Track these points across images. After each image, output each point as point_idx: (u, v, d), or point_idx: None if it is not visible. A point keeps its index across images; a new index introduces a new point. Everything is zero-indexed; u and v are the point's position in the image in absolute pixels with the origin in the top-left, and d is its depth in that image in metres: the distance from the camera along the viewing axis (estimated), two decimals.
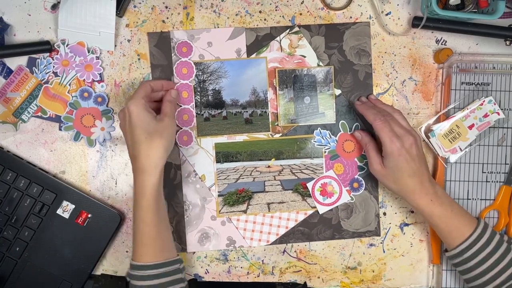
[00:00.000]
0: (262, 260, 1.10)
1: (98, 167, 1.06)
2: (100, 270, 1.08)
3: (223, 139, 1.08)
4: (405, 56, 1.08)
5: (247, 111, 1.07)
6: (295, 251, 1.10)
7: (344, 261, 1.10)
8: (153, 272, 0.92)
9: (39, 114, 1.05)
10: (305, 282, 1.10)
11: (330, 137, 1.08)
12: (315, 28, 1.06)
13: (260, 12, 1.06)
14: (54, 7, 1.04)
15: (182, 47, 1.05)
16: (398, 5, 1.08)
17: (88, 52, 1.04)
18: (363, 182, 1.09)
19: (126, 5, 1.04)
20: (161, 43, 1.05)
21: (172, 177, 1.07)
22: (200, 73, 1.06)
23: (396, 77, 1.08)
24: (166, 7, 1.05)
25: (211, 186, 1.08)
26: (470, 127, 1.05)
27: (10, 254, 1.04)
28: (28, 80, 1.04)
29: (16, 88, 1.03)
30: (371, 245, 1.10)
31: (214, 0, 1.06)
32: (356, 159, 1.09)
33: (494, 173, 1.07)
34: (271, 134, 1.08)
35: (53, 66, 1.04)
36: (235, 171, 1.08)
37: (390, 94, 1.08)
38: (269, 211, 1.09)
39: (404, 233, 1.10)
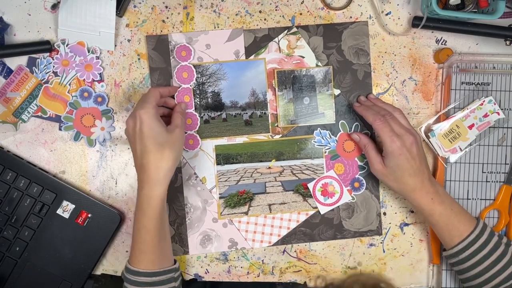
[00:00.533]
0: (262, 260, 1.09)
1: (98, 167, 1.07)
2: (100, 270, 1.08)
3: (223, 141, 1.08)
4: (405, 56, 1.08)
5: (246, 113, 1.07)
6: (295, 251, 1.10)
7: (344, 261, 1.10)
8: (147, 279, 0.92)
9: (39, 114, 1.05)
10: (305, 282, 1.10)
11: (330, 137, 1.08)
12: (313, 28, 1.06)
13: (260, 12, 1.06)
14: (54, 7, 1.04)
15: (181, 51, 1.05)
16: (398, 5, 1.07)
17: (88, 52, 1.04)
18: (364, 181, 1.09)
19: (126, 5, 1.04)
20: (159, 46, 1.05)
21: (173, 180, 1.07)
22: (199, 76, 1.06)
23: (396, 77, 1.08)
24: (166, 7, 1.05)
25: (212, 188, 1.08)
26: (470, 127, 1.05)
27: (10, 254, 1.04)
28: (28, 80, 1.04)
29: (16, 88, 1.04)
30: (371, 245, 1.10)
31: (214, 0, 1.06)
32: (356, 159, 1.08)
33: (494, 173, 1.07)
34: (271, 135, 1.08)
35: (53, 66, 1.04)
36: (235, 173, 1.08)
37: (390, 94, 1.08)
38: (270, 212, 1.09)
39: (404, 233, 1.10)
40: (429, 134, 1.06)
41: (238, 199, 1.08)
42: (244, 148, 1.08)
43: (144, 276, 0.92)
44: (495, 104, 1.05)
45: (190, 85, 1.06)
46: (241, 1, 1.06)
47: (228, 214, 1.08)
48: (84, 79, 1.04)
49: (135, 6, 1.05)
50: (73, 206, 1.04)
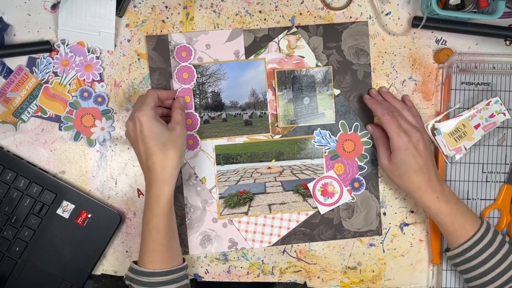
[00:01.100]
0: (262, 260, 1.09)
1: (98, 167, 1.07)
2: (100, 270, 1.08)
3: (223, 141, 1.08)
4: (405, 56, 1.08)
5: (246, 113, 1.07)
6: (295, 251, 1.09)
7: (344, 261, 1.10)
8: (162, 279, 0.92)
9: (39, 114, 1.05)
10: (305, 282, 1.10)
11: (330, 137, 1.08)
12: (313, 28, 1.06)
13: (260, 12, 1.06)
14: (54, 7, 1.04)
15: (181, 51, 1.05)
16: (398, 5, 1.07)
17: (88, 52, 1.04)
18: (364, 181, 1.09)
19: (126, 5, 1.04)
20: (159, 46, 1.05)
21: None
22: (199, 76, 1.06)
23: (396, 77, 1.08)
24: (166, 7, 1.05)
25: (212, 188, 1.08)
26: (476, 126, 1.04)
27: (10, 254, 1.04)
28: (28, 80, 1.04)
29: (16, 88, 1.04)
30: (371, 245, 1.10)
31: (214, 0, 1.06)
32: (356, 159, 1.08)
33: (494, 173, 1.07)
34: (271, 135, 1.08)
35: (53, 66, 1.04)
36: (235, 173, 1.08)
37: None
38: (270, 212, 1.09)
39: (404, 233, 1.10)
40: (435, 132, 1.05)
41: (238, 199, 1.08)
42: (244, 148, 1.08)
43: (159, 276, 0.92)
44: (501, 104, 1.05)
45: (190, 86, 1.06)
46: (241, 1, 1.06)
47: (228, 214, 1.08)
48: (84, 79, 1.04)
49: (135, 6, 1.05)
50: (73, 206, 1.04)
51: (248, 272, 1.10)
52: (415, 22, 1.05)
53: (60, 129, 1.05)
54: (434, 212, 0.97)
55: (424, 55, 1.08)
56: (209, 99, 1.07)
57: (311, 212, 1.09)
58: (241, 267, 1.10)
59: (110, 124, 1.06)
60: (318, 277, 1.10)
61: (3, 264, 1.04)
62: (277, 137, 1.08)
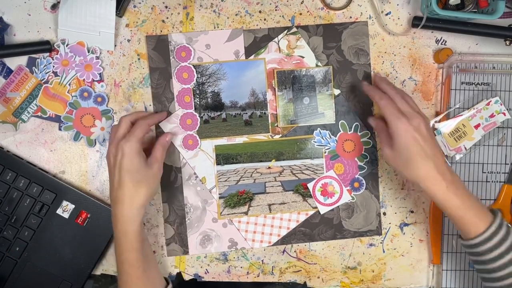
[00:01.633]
0: (262, 260, 1.09)
1: (97, 167, 1.07)
2: (100, 270, 1.08)
3: (223, 141, 1.08)
4: (405, 56, 1.08)
5: (246, 113, 1.07)
6: (295, 251, 1.09)
7: (344, 261, 1.10)
8: None
9: (39, 114, 1.05)
10: (305, 282, 1.10)
11: (330, 137, 1.08)
12: (313, 28, 1.06)
13: (260, 12, 1.06)
14: (54, 7, 1.04)
15: (181, 51, 1.05)
16: (398, 5, 1.07)
17: (88, 52, 1.04)
18: (364, 181, 1.09)
19: (126, 5, 1.04)
20: (159, 46, 1.05)
21: (173, 180, 1.07)
22: (199, 76, 1.06)
23: (396, 77, 1.08)
24: (166, 7, 1.05)
25: (212, 188, 1.08)
26: (476, 126, 1.04)
27: (10, 254, 1.04)
28: (28, 80, 1.04)
29: (16, 88, 1.04)
30: (371, 245, 1.10)
31: (214, 0, 1.06)
32: (356, 159, 1.08)
33: (494, 173, 1.07)
34: (271, 135, 1.08)
35: (53, 66, 1.04)
36: (235, 173, 1.08)
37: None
38: (270, 212, 1.09)
39: (404, 233, 1.10)
40: (435, 132, 1.05)
41: (238, 199, 1.08)
42: (244, 148, 1.08)
43: None
44: (501, 104, 1.05)
45: (190, 85, 1.06)
46: (241, 1, 1.06)
47: (228, 214, 1.08)
48: (84, 79, 1.04)
49: (135, 6, 1.05)
50: (73, 206, 1.04)
51: (248, 272, 1.10)
52: (415, 22, 1.05)
53: (60, 129, 1.05)
54: (443, 203, 0.91)
55: (424, 55, 1.08)
56: (209, 99, 1.07)
57: (311, 212, 1.09)
58: (241, 267, 1.10)
59: (110, 124, 1.06)
60: (318, 277, 1.10)
61: (3, 264, 1.04)
62: (277, 137, 1.08)
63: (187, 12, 1.06)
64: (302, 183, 1.08)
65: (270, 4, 1.06)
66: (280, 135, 1.08)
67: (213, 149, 1.07)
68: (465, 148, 1.05)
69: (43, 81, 1.04)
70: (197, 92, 1.06)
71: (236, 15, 1.06)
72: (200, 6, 1.06)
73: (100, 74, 1.05)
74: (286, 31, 1.06)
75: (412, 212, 1.10)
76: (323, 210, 1.09)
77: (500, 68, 1.06)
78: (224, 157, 1.08)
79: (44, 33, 1.05)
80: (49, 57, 1.04)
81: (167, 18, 1.05)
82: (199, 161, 1.08)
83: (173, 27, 1.06)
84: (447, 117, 1.06)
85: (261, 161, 1.08)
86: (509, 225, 0.92)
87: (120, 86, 1.06)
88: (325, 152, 1.08)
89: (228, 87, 1.07)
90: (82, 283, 1.05)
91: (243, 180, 1.08)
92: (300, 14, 1.07)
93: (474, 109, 1.05)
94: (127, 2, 1.04)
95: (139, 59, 1.06)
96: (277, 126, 1.08)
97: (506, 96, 1.06)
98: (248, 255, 1.09)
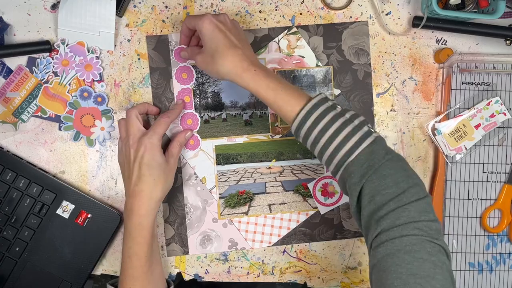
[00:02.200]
0: (262, 260, 1.09)
1: (98, 167, 1.06)
2: (100, 270, 1.08)
3: (223, 141, 1.08)
4: (405, 56, 1.08)
5: (246, 113, 1.07)
6: (295, 251, 1.09)
7: (344, 261, 1.10)
8: None
9: (39, 114, 1.05)
10: (305, 282, 1.10)
11: None
12: (313, 28, 1.06)
13: (260, 12, 1.06)
14: (54, 6, 1.04)
15: (180, 52, 1.05)
16: (398, 4, 1.07)
17: (88, 52, 1.04)
18: None
19: (126, 5, 1.04)
20: (159, 46, 1.05)
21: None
22: (199, 76, 1.06)
23: (396, 77, 1.08)
24: (166, 6, 1.05)
25: (212, 188, 1.08)
26: (477, 126, 1.04)
27: (10, 254, 1.04)
28: (27, 80, 1.04)
29: (15, 88, 1.03)
30: None
31: (214, 0, 1.06)
32: None
33: (495, 173, 1.07)
34: (271, 135, 1.08)
35: (53, 66, 1.04)
36: (235, 173, 1.08)
37: (390, 94, 1.08)
38: (270, 212, 1.08)
39: None
40: (435, 132, 1.05)
41: (238, 199, 1.08)
42: (244, 148, 1.08)
43: None
44: (502, 104, 1.05)
45: (190, 85, 1.06)
46: (241, 1, 1.06)
47: (228, 214, 1.08)
48: (84, 79, 1.04)
49: (135, 6, 1.05)
50: (73, 206, 1.04)
51: (248, 272, 1.10)
52: (416, 22, 1.05)
53: (60, 129, 1.05)
54: (257, 90, 0.88)
55: (424, 55, 1.08)
56: (209, 99, 1.07)
57: (311, 212, 1.09)
58: (241, 267, 1.10)
59: (110, 124, 1.05)
60: (318, 277, 1.10)
61: (3, 264, 1.04)
62: (277, 137, 1.08)
63: (187, 12, 1.06)
64: (302, 183, 1.08)
65: (270, 4, 1.06)
66: (280, 135, 1.08)
67: (213, 149, 1.07)
68: (466, 148, 1.05)
69: (43, 81, 1.04)
70: (197, 92, 1.06)
71: (236, 15, 1.06)
72: (200, 6, 1.06)
73: (100, 74, 1.05)
74: (286, 31, 1.06)
75: None
76: (323, 210, 1.09)
77: (501, 68, 1.06)
78: (224, 157, 1.08)
79: (44, 33, 1.05)
80: (49, 57, 1.04)
81: (167, 18, 1.05)
82: (199, 161, 1.07)
83: (173, 27, 1.06)
84: (447, 117, 1.06)
85: (261, 161, 1.08)
86: (335, 102, 0.87)
87: (120, 86, 1.06)
88: None
89: (228, 87, 1.07)
90: (82, 283, 1.05)
91: (243, 180, 1.08)
92: (300, 14, 1.06)
93: (474, 109, 1.05)
94: (127, 2, 1.04)
95: (139, 59, 1.06)
96: (277, 126, 1.08)
97: (507, 96, 1.06)
98: (248, 255, 1.09)
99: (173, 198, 1.07)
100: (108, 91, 1.06)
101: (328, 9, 1.07)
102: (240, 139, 1.08)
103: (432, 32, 1.08)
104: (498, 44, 1.08)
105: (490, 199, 1.08)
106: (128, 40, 1.05)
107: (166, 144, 1.02)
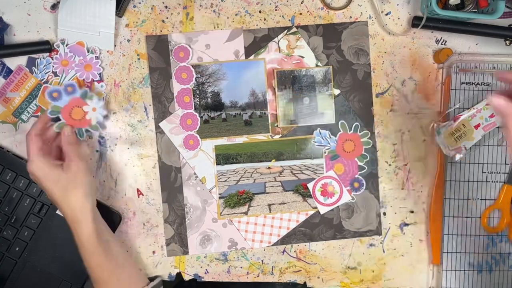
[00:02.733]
0: (262, 260, 1.09)
1: (97, 167, 1.06)
2: None
3: (223, 141, 1.08)
4: (405, 56, 1.08)
5: (246, 113, 1.07)
6: (295, 251, 1.09)
7: (344, 261, 1.10)
8: None
9: (39, 114, 1.05)
10: (305, 282, 1.10)
11: (330, 137, 1.08)
12: (313, 28, 1.06)
13: (260, 12, 1.06)
14: (54, 7, 1.04)
15: (179, 52, 1.05)
16: (398, 5, 1.07)
17: (88, 52, 1.04)
18: (364, 181, 1.09)
19: (125, 5, 1.04)
20: (159, 46, 1.05)
21: (173, 180, 1.07)
22: (199, 76, 1.06)
23: (396, 77, 1.08)
24: (166, 7, 1.05)
25: (212, 188, 1.08)
26: (476, 126, 1.04)
27: (10, 254, 1.04)
28: (27, 80, 1.04)
29: (15, 88, 1.04)
30: (371, 245, 1.10)
31: (214, 0, 1.06)
32: (356, 159, 1.08)
33: (494, 173, 1.07)
34: (271, 136, 1.08)
35: (53, 66, 1.04)
36: (235, 173, 1.08)
37: (390, 94, 1.08)
38: (270, 212, 1.08)
39: (404, 233, 1.10)
40: (435, 132, 1.05)
41: (237, 199, 1.08)
42: (244, 148, 1.08)
43: None
44: None
45: (190, 86, 1.06)
46: (241, 1, 1.06)
47: (228, 214, 1.08)
48: (84, 79, 1.04)
49: (134, 6, 1.05)
50: None
51: (248, 272, 1.10)
52: (415, 22, 1.05)
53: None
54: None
55: (424, 55, 1.08)
56: (209, 99, 1.07)
57: (311, 212, 1.09)
58: (241, 267, 1.10)
59: (96, 101, 0.98)
60: (318, 277, 1.10)
61: (3, 264, 1.04)
62: (277, 137, 1.08)
63: (187, 12, 1.06)
64: (302, 183, 1.08)
65: (270, 4, 1.06)
66: (280, 135, 1.08)
67: (213, 149, 1.07)
68: (465, 148, 1.05)
69: (42, 81, 1.04)
70: (197, 92, 1.06)
71: (236, 15, 1.06)
72: (200, 6, 1.06)
73: (100, 74, 1.05)
74: (286, 31, 1.06)
75: (412, 212, 1.10)
76: (323, 210, 1.09)
77: (500, 68, 1.06)
78: (224, 157, 1.08)
79: (44, 33, 1.05)
80: (48, 57, 1.04)
81: (167, 18, 1.05)
82: (199, 161, 1.07)
83: (173, 27, 1.06)
84: (447, 117, 1.06)
85: (261, 161, 1.08)
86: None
87: (120, 86, 1.06)
88: (325, 152, 1.08)
89: (228, 87, 1.07)
90: (82, 283, 1.05)
91: (243, 180, 1.08)
92: (300, 14, 1.07)
93: (474, 109, 1.04)
94: (127, 2, 1.04)
95: (139, 59, 1.06)
96: (277, 126, 1.08)
97: None
98: (248, 255, 1.09)
99: (173, 198, 1.07)
100: (108, 91, 1.06)
101: (328, 9, 1.07)
102: (239, 139, 1.08)
103: (432, 32, 1.08)
104: (498, 44, 1.08)
105: (490, 199, 1.08)
106: (128, 40, 1.06)
107: None
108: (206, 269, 1.09)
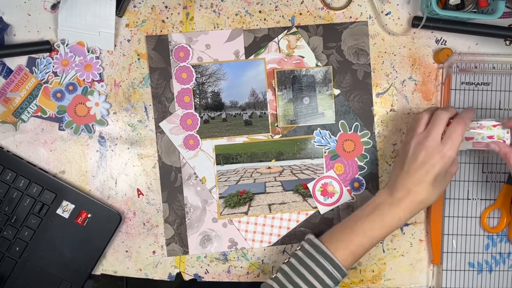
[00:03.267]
0: (262, 260, 1.09)
1: (98, 167, 1.07)
2: (100, 270, 1.08)
3: (223, 141, 1.08)
4: (405, 56, 1.08)
5: (246, 113, 1.07)
6: None
7: None
8: None
9: (39, 114, 1.05)
10: None
11: (330, 137, 1.08)
12: (313, 28, 1.06)
13: (260, 12, 1.06)
14: (54, 7, 1.04)
15: (179, 52, 1.05)
16: (398, 5, 1.07)
17: (88, 52, 1.04)
18: (364, 181, 1.09)
19: (126, 5, 1.04)
20: (159, 46, 1.06)
21: (173, 180, 1.07)
22: (199, 76, 1.06)
23: (396, 77, 1.08)
24: (166, 7, 1.05)
25: (212, 188, 1.08)
26: (468, 139, 0.99)
27: (10, 254, 1.04)
28: (27, 80, 1.04)
29: (16, 88, 1.04)
30: None
31: (214, 0, 1.06)
32: (356, 159, 1.08)
33: (495, 173, 1.07)
34: (271, 135, 1.08)
35: (53, 66, 1.04)
36: (235, 173, 1.08)
37: (390, 94, 1.08)
38: (270, 212, 1.09)
39: (404, 233, 1.10)
40: None
41: (238, 199, 1.08)
42: (244, 148, 1.08)
43: None
44: (508, 133, 0.98)
45: (190, 86, 1.06)
46: (241, 1, 1.06)
47: (228, 214, 1.08)
48: (84, 79, 1.04)
49: (135, 6, 1.05)
50: (73, 206, 1.04)
51: (248, 272, 1.10)
52: (415, 22, 1.05)
53: (60, 129, 1.05)
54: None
55: (424, 55, 1.08)
56: (209, 99, 1.07)
57: (311, 212, 1.09)
58: (241, 267, 1.10)
59: (98, 97, 1.04)
60: None
61: (3, 264, 1.04)
62: (277, 137, 1.08)
63: (187, 12, 1.06)
64: (302, 183, 1.08)
65: (270, 4, 1.06)
66: (280, 135, 1.08)
67: (213, 149, 1.07)
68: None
69: (43, 81, 1.04)
70: (197, 92, 1.06)
71: (236, 15, 1.06)
72: (200, 6, 1.06)
73: (100, 74, 1.05)
74: (286, 31, 1.06)
75: None
76: (323, 210, 1.09)
77: (500, 68, 1.06)
78: (224, 157, 1.08)
79: (44, 33, 1.05)
80: (49, 57, 1.04)
81: (167, 18, 1.06)
82: (199, 161, 1.08)
83: (173, 27, 1.06)
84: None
85: (261, 161, 1.08)
86: None
87: (120, 86, 1.06)
88: (325, 152, 1.08)
89: (228, 87, 1.07)
90: (82, 283, 1.05)
91: (243, 180, 1.08)
92: (300, 14, 1.07)
93: (477, 123, 0.99)
94: (127, 2, 1.04)
95: (139, 59, 1.06)
96: (277, 126, 1.08)
97: (506, 96, 1.06)
98: (248, 255, 1.09)
99: (173, 198, 1.07)
100: (108, 91, 1.06)
101: (328, 9, 1.07)
102: (240, 139, 1.08)
103: (432, 32, 1.08)
104: (498, 44, 1.08)
105: (490, 199, 1.08)
106: (128, 40, 1.06)
107: None
108: (206, 269, 1.09)
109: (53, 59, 1.04)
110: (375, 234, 0.93)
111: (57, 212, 1.04)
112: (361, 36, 1.07)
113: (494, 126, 0.98)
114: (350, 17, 1.07)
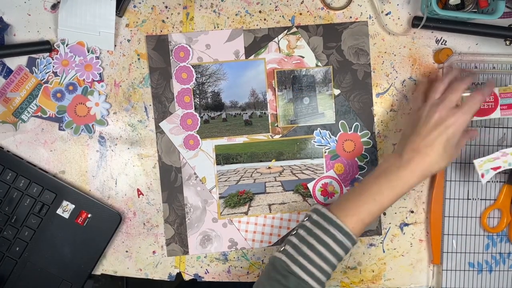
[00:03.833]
0: (262, 260, 1.09)
1: (98, 167, 1.07)
2: (100, 270, 1.08)
3: (223, 141, 1.08)
4: (405, 56, 1.08)
5: (246, 113, 1.07)
6: None
7: (343, 261, 1.10)
8: None
9: (39, 114, 1.05)
10: None
11: (330, 137, 1.08)
12: (313, 28, 1.06)
13: (260, 12, 1.06)
14: (54, 7, 1.04)
15: (179, 52, 1.05)
16: (398, 5, 1.07)
17: (88, 52, 1.04)
18: None
19: (126, 5, 1.04)
20: (159, 46, 1.06)
21: (173, 180, 1.07)
22: (199, 76, 1.06)
23: (396, 77, 1.08)
24: (166, 7, 1.05)
25: (212, 188, 1.08)
26: (495, 168, 0.98)
27: (10, 254, 1.04)
28: (28, 80, 1.04)
29: (16, 88, 1.04)
30: (371, 245, 1.10)
31: (214, 0, 1.06)
32: (356, 159, 1.08)
33: None
34: (271, 135, 1.08)
35: (53, 66, 1.04)
36: (235, 173, 1.08)
37: (390, 94, 1.08)
38: (270, 212, 1.09)
39: (404, 233, 1.10)
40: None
41: (238, 199, 1.08)
42: (244, 148, 1.08)
43: None
44: None
45: (190, 86, 1.06)
46: (241, 1, 1.06)
47: (228, 214, 1.08)
48: (84, 79, 1.04)
49: (135, 6, 1.05)
50: (73, 206, 1.04)
51: (248, 272, 1.10)
52: (415, 22, 1.05)
53: (60, 129, 1.05)
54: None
55: (424, 55, 1.08)
56: (209, 99, 1.07)
57: None
58: (241, 267, 1.10)
59: (98, 97, 1.05)
60: None
61: (3, 264, 1.04)
62: (277, 137, 1.08)
63: (187, 12, 1.06)
64: (302, 183, 1.08)
65: (270, 4, 1.06)
66: (280, 135, 1.08)
67: (213, 149, 1.07)
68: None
69: (43, 81, 1.04)
70: (197, 92, 1.06)
71: (236, 15, 1.06)
72: (200, 6, 1.06)
73: (100, 74, 1.05)
74: (286, 31, 1.06)
75: (412, 212, 1.10)
76: None
77: (500, 68, 1.06)
78: (224, 157, 1.08)
79: (44, 33, 1.05)
80: (49, 57, 1.04)
81: (167, 18, 1.06)
82: (199, 161, 1.08)
83: (173, 27, 1.06)
84: None
85: (261, 161, 1.08)
86: None
87: (120, 86, 1.06)
88: (325, 152, 1.08)
89: (228, 87, 1.07)
90: (82, 283, 1.05)
91: (243, 180, 1.08)
92: (300, 14, 1.07)
93: (500, 152, 0.99)
94: (127, 2, 1.04)
95: (139, 59, 1.06)
96: (277, 126, 1.08)
97: None
98: (248, 255, 1.09)
99: (173, 198, 1.07)
100: (108, 91, 1.06)
101: (328, 9, 1.07)
102: (240, 139, 1.08)
103: (432, 32, 1.08)
104: (498, 44, 1.08)
105: (490, 199, 1.08)
106: (128, 40, 1.06)
107: None
108: (206, 269, 1.09)
109: (53, 59, 1.04)
110: (383, 198, 0.92)
111: (57, 212, 1.04)
112: (361, 36, 1.07)
113: None
114: (350, 17, 1.07)
